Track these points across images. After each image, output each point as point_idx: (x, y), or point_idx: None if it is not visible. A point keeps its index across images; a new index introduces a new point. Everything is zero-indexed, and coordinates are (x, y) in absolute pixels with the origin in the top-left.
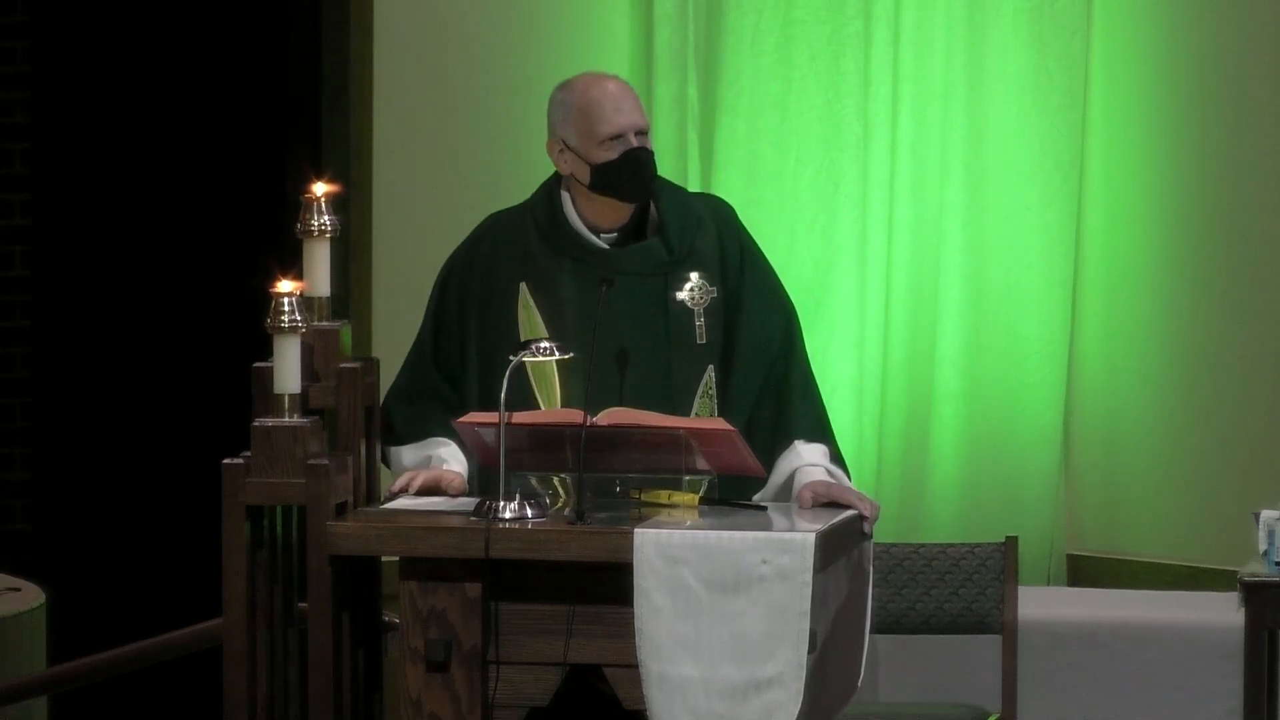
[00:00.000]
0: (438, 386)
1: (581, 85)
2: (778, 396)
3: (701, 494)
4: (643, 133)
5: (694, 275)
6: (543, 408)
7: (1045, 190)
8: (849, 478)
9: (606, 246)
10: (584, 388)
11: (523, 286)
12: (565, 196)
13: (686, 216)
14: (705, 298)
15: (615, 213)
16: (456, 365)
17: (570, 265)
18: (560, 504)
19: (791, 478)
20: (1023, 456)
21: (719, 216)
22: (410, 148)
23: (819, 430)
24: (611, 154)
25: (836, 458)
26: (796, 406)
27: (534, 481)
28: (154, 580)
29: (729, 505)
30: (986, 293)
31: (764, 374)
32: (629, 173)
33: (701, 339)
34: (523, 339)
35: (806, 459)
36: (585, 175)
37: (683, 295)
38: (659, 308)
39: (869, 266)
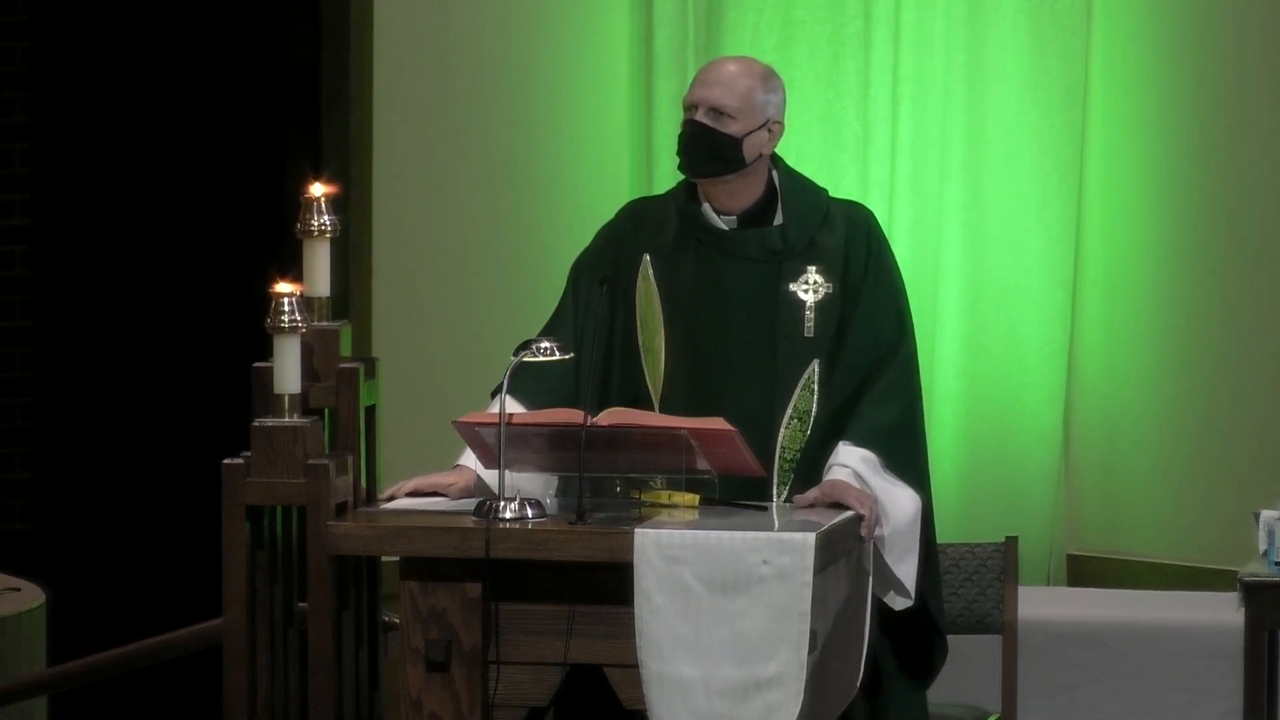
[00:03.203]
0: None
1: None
2: (859, 398)
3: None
4: (718, 112)
5: (811, 269)
6: (648, 383)
7: (1045, 190)
8: (916, 488)
9: (726, 228)
10: (685, 363)
11: (646, 259)
12: None
13: (811, 211)
14: (820, 292)
15: (733, 195)
16: (581, 335)
17: (694, 245)
18: (649, 504)
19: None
20: (1023, 456)
21: (852, 218)
22: (410, 147)
23: (875, 437)
24: (682, 126)
25: (892, 468)
26: (865, 410)
27: (628, 484)
28: (154, 580)
29: (729, 505)
30: (986, 293)
31: (864, 374)
32: (679, 145)
33: (809, 333)
34: (639, 311)
35: (840, 459)
36: None
37: (795, 287)
38: (769, 296)
39: None
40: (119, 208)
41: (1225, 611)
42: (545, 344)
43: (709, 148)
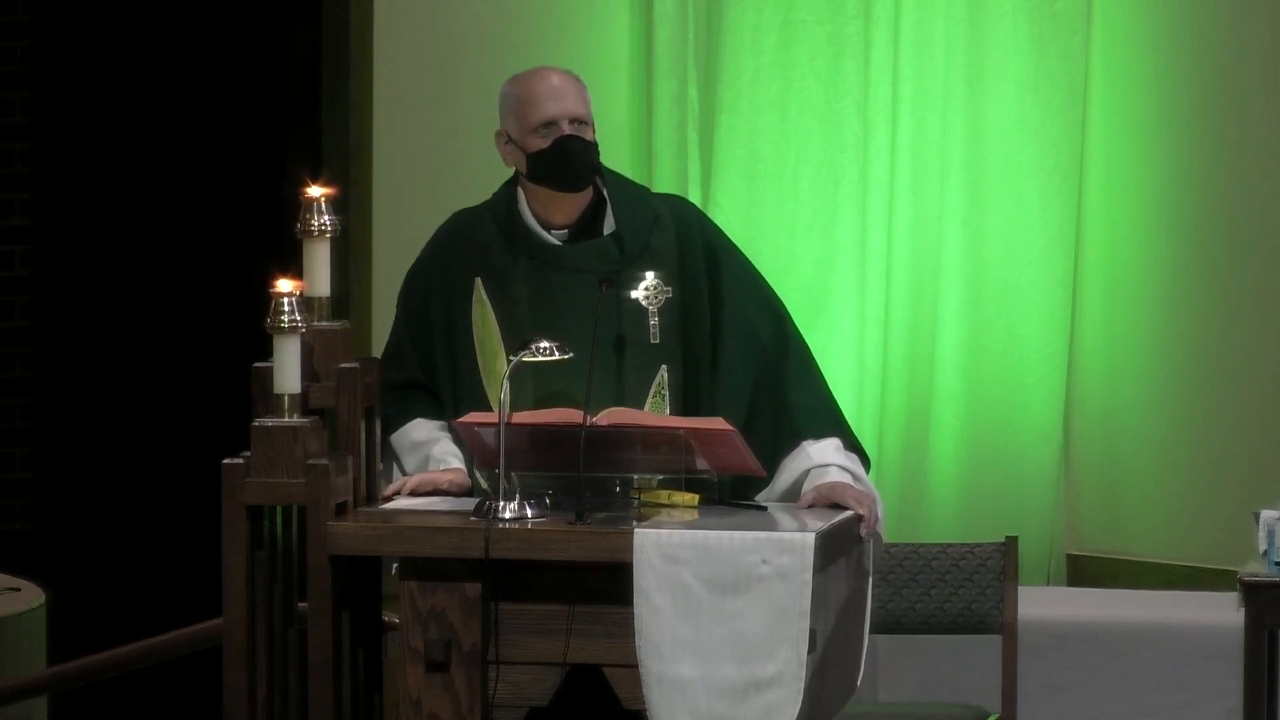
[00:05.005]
0: (413, 375)
1: (525, 77)
2: (775, 393)
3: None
4: (580, 122)
5: (649, 274)
6: (494, 407)
7: (1045, 190)
8: (866, 461)
9: (558, 243)
10: (526, 386)
11: (478, 282)
12: (521, 193)
13: (642, 215)
14: (660, 297)
15: (564, 208)
16: (428, 358)
17: (525, 262)
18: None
19: (803, 480)
20: (1023, 456)
21: (680, 216)
22: (410, 148)
23: (826, 423)
24: (544, 142)
25: (850, 446)
26: (796, 401)
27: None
28: (154, 580)
29: (729, 505)
30: (986, 293)
31: (756, 371)
32: (559, 160)
33: (655, 339)
34: (476, 335)
35: (817, 459)
36: (524, 165)
37: (636, 294)
38: (611, 306)
39: (869, 266)
40: (119, 208)
41: (1225, 611)
42: (544, 343)
43: (586, 159)
